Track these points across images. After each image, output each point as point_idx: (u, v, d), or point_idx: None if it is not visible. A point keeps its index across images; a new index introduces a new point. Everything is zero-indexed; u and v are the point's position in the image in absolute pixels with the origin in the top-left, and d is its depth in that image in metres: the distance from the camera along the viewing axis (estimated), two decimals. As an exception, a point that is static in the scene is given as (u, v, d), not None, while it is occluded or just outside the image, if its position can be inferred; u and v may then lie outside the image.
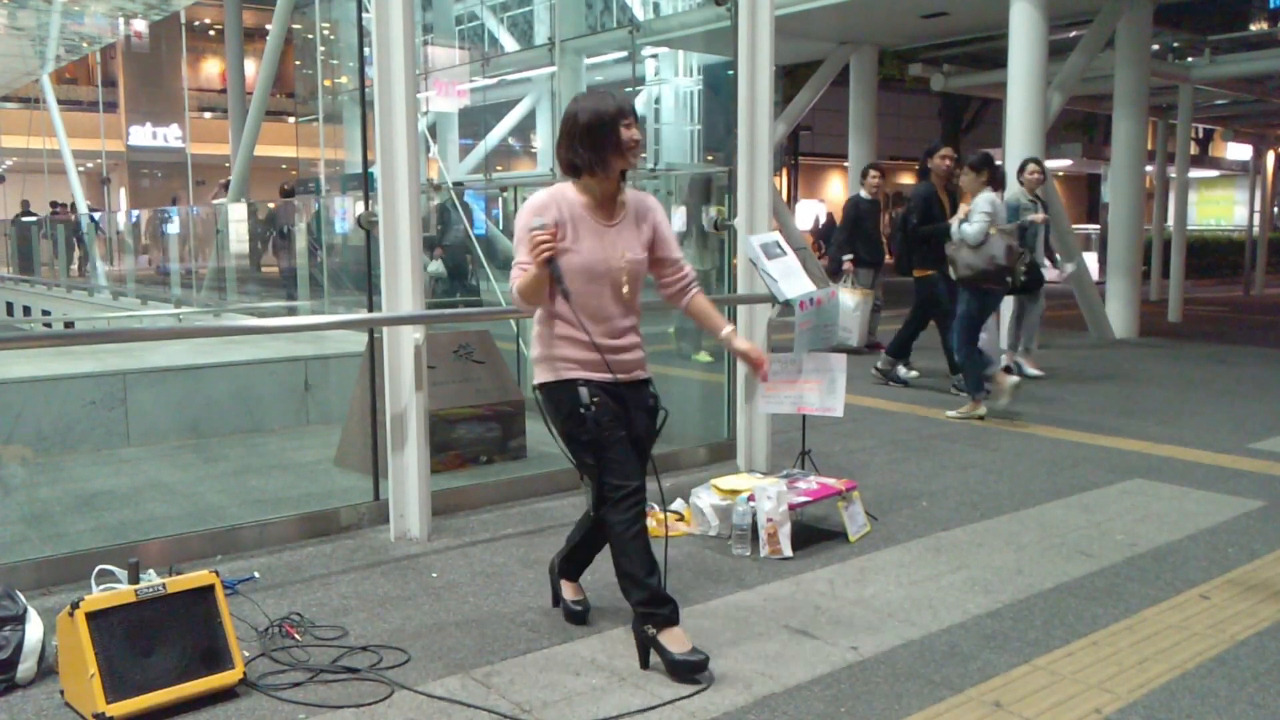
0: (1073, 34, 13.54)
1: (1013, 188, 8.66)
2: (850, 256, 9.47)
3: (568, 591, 3.51)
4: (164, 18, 20.97)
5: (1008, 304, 8.57)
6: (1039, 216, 8.33)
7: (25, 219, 21.31)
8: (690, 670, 2.99)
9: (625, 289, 3.16)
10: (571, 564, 3.51)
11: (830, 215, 32.06)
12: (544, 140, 19.62)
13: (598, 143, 3.07)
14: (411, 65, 4.17)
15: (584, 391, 3.09)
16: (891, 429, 6.68)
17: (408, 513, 4.36)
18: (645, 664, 3.09)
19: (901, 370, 8.47)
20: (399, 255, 4.24)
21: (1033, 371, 8.68)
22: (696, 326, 3.27)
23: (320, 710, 2.83)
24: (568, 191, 3.16)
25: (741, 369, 5.40)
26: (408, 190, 4.22)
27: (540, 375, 3.20)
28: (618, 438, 3.10)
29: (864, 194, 9.75)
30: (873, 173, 9.82)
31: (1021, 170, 8.65)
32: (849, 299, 9.07)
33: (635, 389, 3.22)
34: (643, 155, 3.20)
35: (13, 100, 30.82)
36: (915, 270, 8.10)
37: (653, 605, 3.05)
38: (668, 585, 3.74)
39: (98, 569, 3.18)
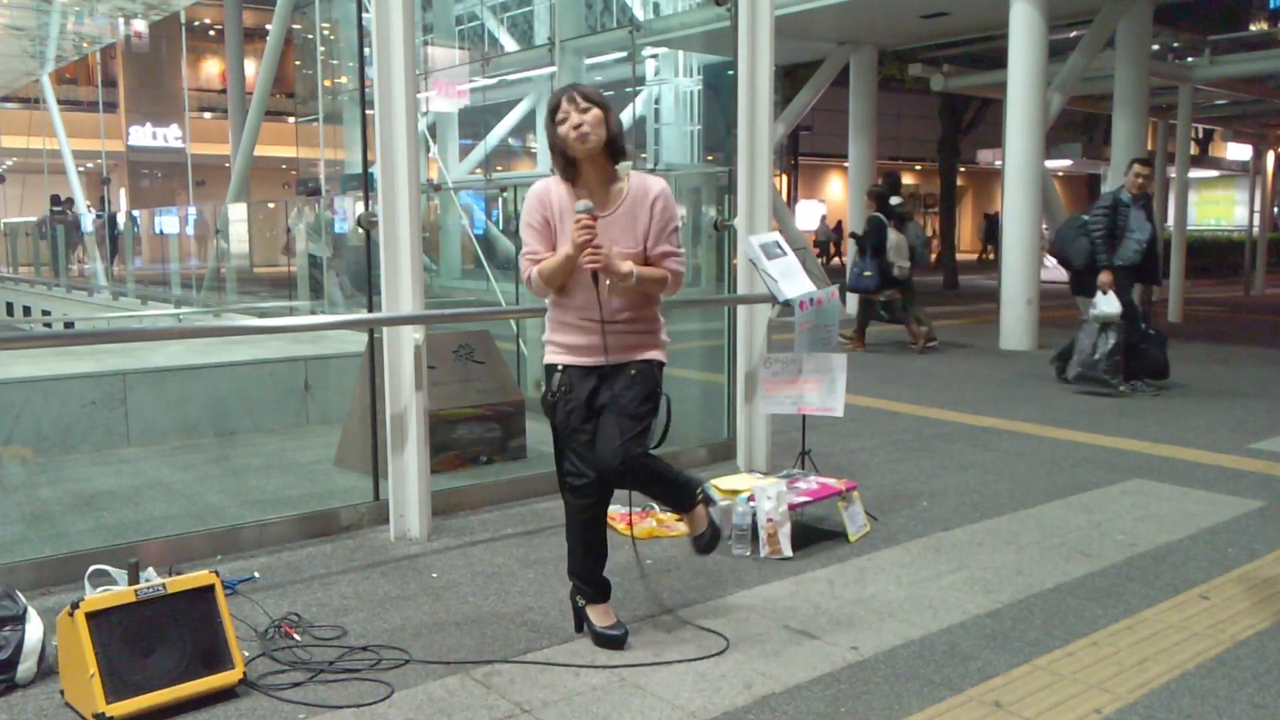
0: (1073, 34, 13.56)
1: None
2: None
3: (700, 513, 3.42)
4: (164, 18, 20.98)
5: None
6: None
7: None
8: (609, 643, 3.23)
9: (608, 282, 3.10)
10: (670, 497, 3.41)
11: (824, 218, 32.07)
12: (543, 140, 19.60)
13: (549, 136, 3.12)
14: (411, 65, 4.17)
15: (557, 377, 3.22)
16: (891, 429, 6.68)
17: (408, 513, 4.36)
18: (579, 629, 3.33)
19: None
20: (399, 255, 4.24)
21: None
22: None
23: (320, 710, 2.83)
24: (555, 184, 3.19)
25: (741, 370, 5.40)
26: (408, 190, 4.22)
27: (545, 356, 3.30)
28: (581, 430, 3.18)
29: None
30: None
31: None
32: None
33: (620, 369, 3.20)
34: (588, 143, 3.05)
35: (13, 100, 30.83)
36: None
37: (584, 582, 3.30)
38: (668, 585, 3.76)
39: (91, 569, 3.16)
